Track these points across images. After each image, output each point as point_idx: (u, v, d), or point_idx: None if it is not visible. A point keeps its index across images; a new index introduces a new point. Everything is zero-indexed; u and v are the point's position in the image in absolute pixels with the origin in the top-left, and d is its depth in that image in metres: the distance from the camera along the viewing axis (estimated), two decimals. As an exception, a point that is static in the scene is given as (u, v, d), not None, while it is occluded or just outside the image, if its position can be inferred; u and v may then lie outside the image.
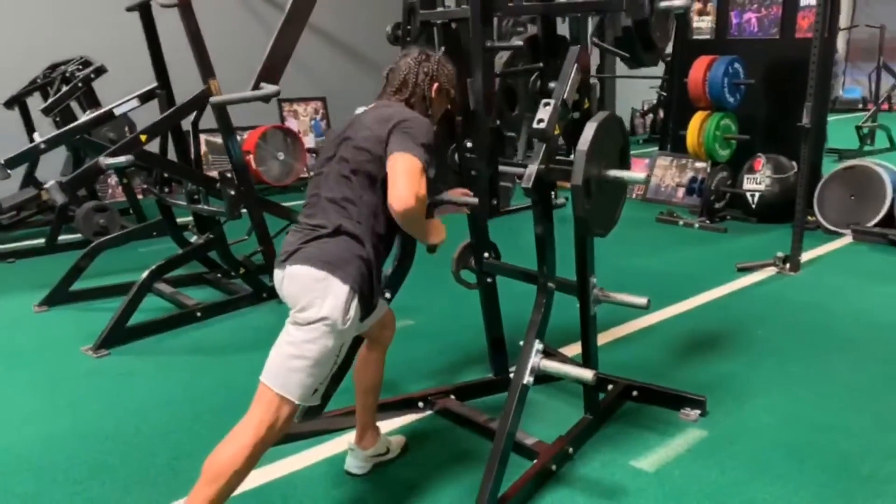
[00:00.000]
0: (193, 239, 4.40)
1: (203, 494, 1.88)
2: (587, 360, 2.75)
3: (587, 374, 2.24)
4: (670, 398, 3.01)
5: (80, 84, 5.17)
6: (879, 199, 5.66)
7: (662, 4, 2.49)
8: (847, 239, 5.64)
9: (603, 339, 3.75)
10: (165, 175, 4.06)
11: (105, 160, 3.43)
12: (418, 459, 2.68)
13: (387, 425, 2.87)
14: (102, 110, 4.15)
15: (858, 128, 9.80)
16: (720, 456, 2.66)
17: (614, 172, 2.38)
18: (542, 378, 3.09)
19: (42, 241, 5.48)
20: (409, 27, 7.07)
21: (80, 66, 5.39)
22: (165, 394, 3.22)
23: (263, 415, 1.97)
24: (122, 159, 3.42)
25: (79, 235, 5.36)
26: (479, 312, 3.08)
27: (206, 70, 3.81)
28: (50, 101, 5.13)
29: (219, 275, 4.59)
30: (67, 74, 5.43)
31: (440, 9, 2.73)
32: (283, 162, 7.53)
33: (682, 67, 6.50)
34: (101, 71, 5.20)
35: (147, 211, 5.00)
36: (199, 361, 3.58)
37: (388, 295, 2.82)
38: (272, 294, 4.32)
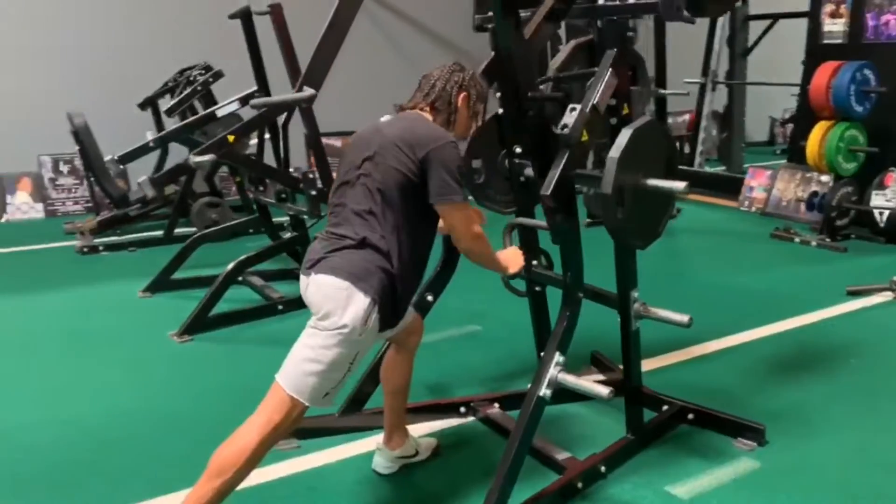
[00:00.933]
0: (287, 235, 4.61)
1: (205, 488, 1.96)
2: (629, 376, 2.64)
3: (603, 391, 2.14)
4: (728, 424, 2.82)
5: (199, 87, 5.54)
6: None
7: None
8: None
9: (677, 357, 3.59)
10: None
11: (192, 158, 3.66)
12: (448, 465, 2.67)
13: (424, 428, 2.88)
14: (205, 112, 4.43)
15: None
16: (768, 490, 2.46)
17: (653, 182, 2.27)
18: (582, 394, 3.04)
19: (162, 232, 5.92)
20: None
21: (203, 71, 5.78)
22: (232, 382, 3.39)
23: (273, 414, 2.04)
24: (206, 158, 3.65)
25: (195, 228, 5.75)
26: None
27: (296, 75, 3.97)
28: (173, 102, 5.53)
29: (308, 271, 4.76)
30: (191, 78, 5.84)
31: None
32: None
33: (811, 73, 6.07)
34: (218, 75, 5.55)
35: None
36: (270, 353, 3.66)
37: (429, 298, 2.84)
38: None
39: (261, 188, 4.40)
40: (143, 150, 4.20)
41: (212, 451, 2.59)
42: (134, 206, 5.87)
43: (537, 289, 2.94)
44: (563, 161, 2.15)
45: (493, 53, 2.68)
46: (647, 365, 3.46)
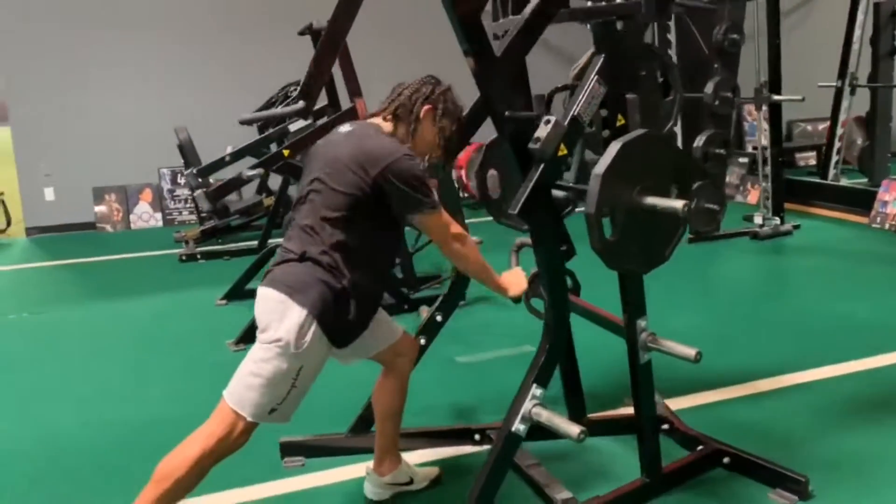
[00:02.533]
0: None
1: (147, 495, 1.96)
2: (639, 413, 2.40)
3: (573, 430, 1.95)
4: (766, 472, 2.50)
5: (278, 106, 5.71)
6: None
7: None
8: None
9: (739, 391, 3.25)
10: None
11: (246, 172, 3.76)
12: (447, 496, 2.54)
13: (435, 454, 2.77)
14: (279, 126, 4.55)
15: None
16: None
17: (650, 200, 2.05)
18: (613, 427, 2.80)
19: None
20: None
21: (295, 87, 5.95)
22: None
23: (216, 427, 2.01)
24: (255, 172, 3.73)
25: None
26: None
27: (354, 90, 3.99)
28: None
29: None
30: (288, 94, 6.04)
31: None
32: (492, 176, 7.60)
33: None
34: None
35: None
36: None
37: (438, 318, 2.74)
38: (413, 306, 4.39)
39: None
40: (219, 165, 4.38)
41: (238, 462, 2.61)
42: (233, 216, 6.14)
43: (557, 312, 2.75)
44: (535, 177, 1.97)
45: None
46: (699, 399, 3.19)
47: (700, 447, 2.64)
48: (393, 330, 2.38)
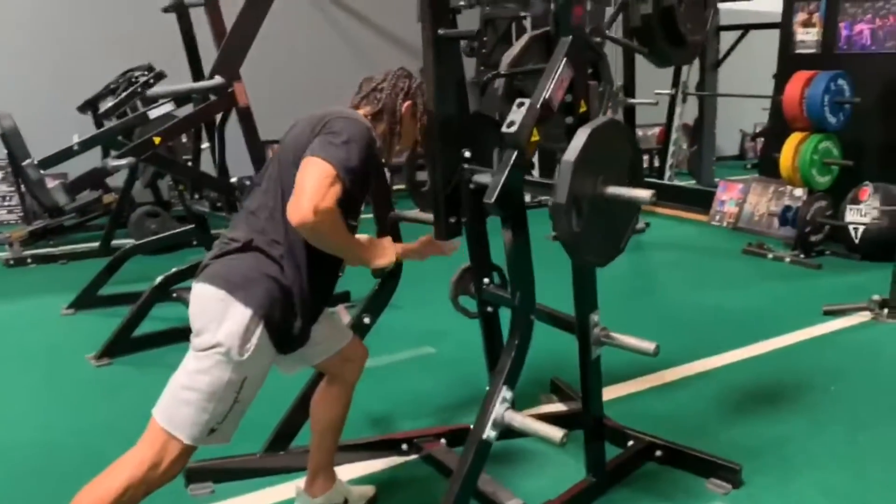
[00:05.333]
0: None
1: None
2: (587, 410, 2.33)
3: (556, 434, 1.83)
4: (700, 463, 2.52)
5: (139, 89, 5.17)
6: None
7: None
8: (966, 284, 4.84)
9: (644, 384, 3.29)
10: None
11: (110, 162, 3.31)
12: (386, 514, 2.34)
13: (362, 468, 2.55)
14: (136, 113, 4.07)
15: None
16: (744, 542, 2.16)
17: (613, 190, 1.97)
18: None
19: (98, 244, 5.51)
20: (484, 38, 6.71)
21: (145, 72, 5.41)
22: (147, 413, 3.01)
23: (146, 452, 1.70)
24: (123, 161, 3.29)
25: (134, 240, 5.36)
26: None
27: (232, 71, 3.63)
28: (110, 104, 5.15)
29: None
30: (133, 80, 5.46)
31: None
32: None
33: (783, 85, 5.87)
34: (160, 76, 5.18)
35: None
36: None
37: (366, 320, 2.52)
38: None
39: (196, 196, 4.04)
40: (66, 154, 3.83)
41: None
42: (68, 216, 5.47)
43: (489, 309, 2.62)
44: (511, 164, 1.83)
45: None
46: (610, 393, 3.16)
47: (631, 442, 2.62)
48: (343, 333, 2.14)
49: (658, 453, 2.59)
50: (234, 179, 3.66)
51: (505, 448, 2.68)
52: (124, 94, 5.25)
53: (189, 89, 1.86)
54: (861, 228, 5.33)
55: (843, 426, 2.89)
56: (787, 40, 6.30)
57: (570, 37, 1.93)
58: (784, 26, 6.33)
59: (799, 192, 5.96)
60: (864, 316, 4.16)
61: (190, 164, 4.19)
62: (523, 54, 2.47)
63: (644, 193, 1.96)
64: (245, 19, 2.01)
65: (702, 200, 7.09)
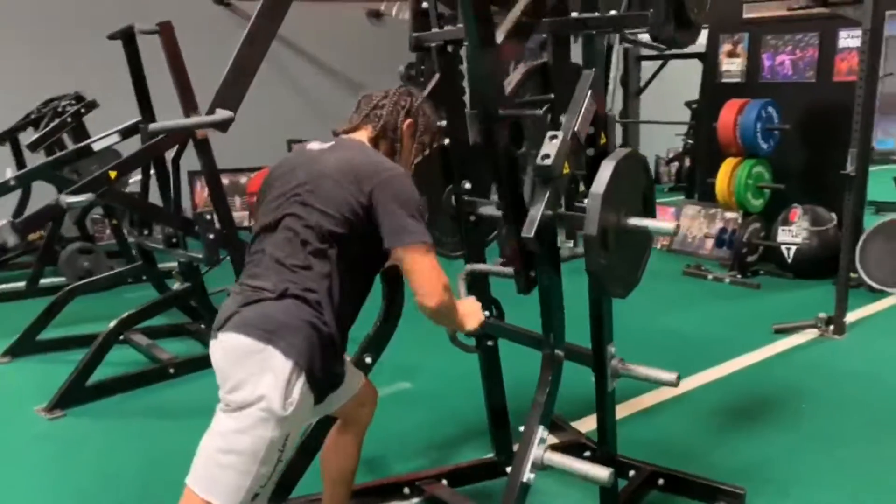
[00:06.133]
0: (175, 286, 4.04)
1: None
2: (603, 443, 2.30)
3: (602, 473, 1.79)
4: (703, 489, 2.54)
5: (69, 119, 4.88)
6: (930, 256, 5.17)
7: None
8: (894, 299, 5.14)
9: (623, 411, 3.29)
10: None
11: (65, 198, 3.08)
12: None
13: (364, 515, 2.43)
14: (78, 146, 3.83)
15: (896, 179, 9.28)
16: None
17: (637, 221, 1.97)
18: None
19: (24, 284, 5.13)
20: (422, 66, 6.69)
21: (73, 101, 5.12)
22: (114, 466, 2.81)
23: None
24: (82, 198, 3.08)
25: (65, 278, 5.03)
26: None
27: (188, 102, 3.48)
28: (36, 135, 4.84)
29: (202, 325, 4.20)
30: (59, 109, 5.16)
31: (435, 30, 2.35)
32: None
33: (710, 112, 6.12)
34: (91, 106, 4.92)
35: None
36: (162, 427, 3.17)
37: (367, 360, 2.41)
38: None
39: (146, 232, 3.83)
40: (2, 190, 3.55)
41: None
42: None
43: (489, 343, 2.58)
44: (546, 197, 1.80)
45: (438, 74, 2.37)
46: (590, 423, 3.16)
47: (632, 472, 2.61)
48: (357, 377, 2.04)
49: (660, 481, 2.59)
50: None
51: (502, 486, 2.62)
52: (52, 125, 4.96)
53: (195, 123, 1.73)
54: (793, 248, 5.58)
55: (821, 443, 2.98)
56: (712, 70, 6.58)
57: (594, 70, 1.93)
58: (710, 57, 6.61)
59: (731, 214, 6.20)
60: (812, 333, 4.33)
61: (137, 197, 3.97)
62: (520, 86, 2.46)
63: (669, 225, 1.98)
64: (248, 49, 1.90)
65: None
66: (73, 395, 3.25)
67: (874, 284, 5.29)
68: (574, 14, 1.98)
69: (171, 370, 3.60)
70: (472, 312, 2.02)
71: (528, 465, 1.83)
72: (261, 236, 1.80)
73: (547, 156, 1.79)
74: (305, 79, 7.76)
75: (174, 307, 4.04)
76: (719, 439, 3.04)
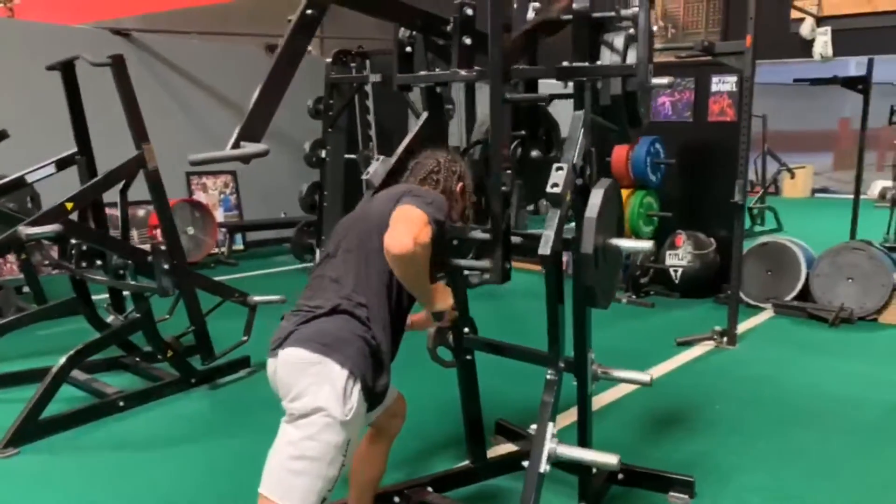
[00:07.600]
0: (110, 319, 3.97)
1: None
2: (583, 442, 2.58)
3: (611, 459, 2.06)
4: (658, 480, 2.87)
5: (-24, 149, 4.67)
6: (795, 274, 5.88)
7: (654, 81, 2.38)
8: (768, 313, 5.80)
9: (571, 417, 3.59)
10: (84, 248, 3.64)
11: (26, 230, 3.02)
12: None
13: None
14: (10, 178, 3.72)
15: (750, 209, 10.33)
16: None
17: (617, 241, 2.29)
18: (510, 466, 2.91)
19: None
20: (331, 101, 6.89)
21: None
22: (86, 498, 2.78)
23: None
24: (47, 229, 3.03)
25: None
26: (451, 385, 2.87)
27: (141, 134, 3.50)
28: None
29: (137, 358, 4.14)
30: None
31: (423, 72, 2.58)
32: (193, 237, 7.11)
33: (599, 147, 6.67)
34: (2, 136, 4.73)
35: (47, 288, 4.61)
36: (123, 459, 3.15)
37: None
38: (202, 379, 3.92)
39: (83, 264, 3.75)
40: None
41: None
42: None
43: (468, 357, 2.80)
44: (558, 219, 2.08)
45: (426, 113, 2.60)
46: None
47: (595, 469, 2.90)
48: (392, 389, 2.20)
49: (620, 476, 2.89)
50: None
51: (480, 490, 2.85)
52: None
53: (240, 154, 1.77)
54: (679, 270, 6.18)
55: (741, 437, 3.41)
56: (599, 109, 7.16)
57: (583, 110, 2.23)
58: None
59: (622, 241, 6.75)
60: (710, 345, 4.85)
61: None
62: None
63: (646, 244, 2.30)
64: (272, 81, 2.04)
65: (531, 252, 7.71)
66: (27, 431, 3.16)
67: (749, 300, 5.96)
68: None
69: (121, 403, 3.55)
70: (444, 293, 2.20)
71: (545, 457, 2.07)
72: (323, 263, 1.97)
73: (556, 184, 2.07)
74: (208, 115, 7.71)
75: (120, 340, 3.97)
76: (658, 438, 3.40)
